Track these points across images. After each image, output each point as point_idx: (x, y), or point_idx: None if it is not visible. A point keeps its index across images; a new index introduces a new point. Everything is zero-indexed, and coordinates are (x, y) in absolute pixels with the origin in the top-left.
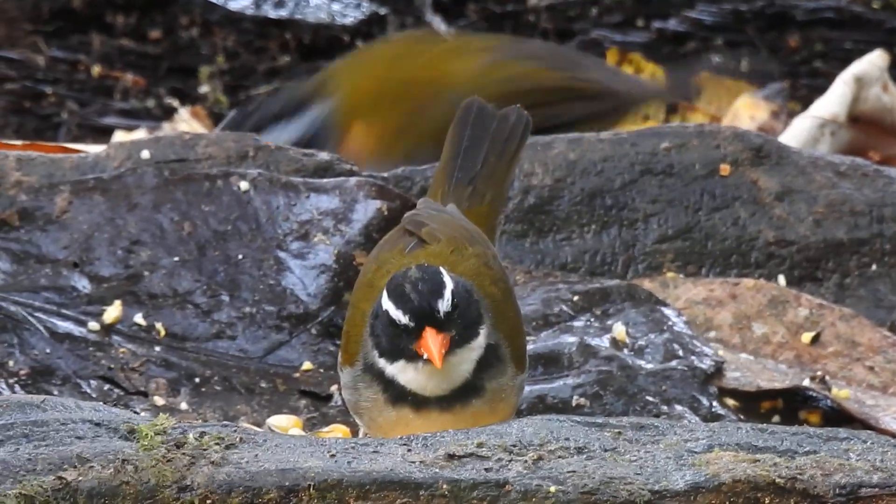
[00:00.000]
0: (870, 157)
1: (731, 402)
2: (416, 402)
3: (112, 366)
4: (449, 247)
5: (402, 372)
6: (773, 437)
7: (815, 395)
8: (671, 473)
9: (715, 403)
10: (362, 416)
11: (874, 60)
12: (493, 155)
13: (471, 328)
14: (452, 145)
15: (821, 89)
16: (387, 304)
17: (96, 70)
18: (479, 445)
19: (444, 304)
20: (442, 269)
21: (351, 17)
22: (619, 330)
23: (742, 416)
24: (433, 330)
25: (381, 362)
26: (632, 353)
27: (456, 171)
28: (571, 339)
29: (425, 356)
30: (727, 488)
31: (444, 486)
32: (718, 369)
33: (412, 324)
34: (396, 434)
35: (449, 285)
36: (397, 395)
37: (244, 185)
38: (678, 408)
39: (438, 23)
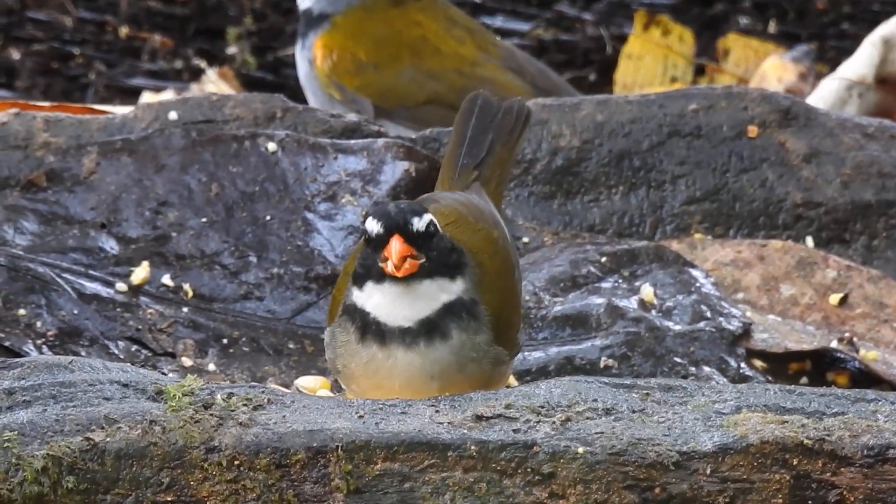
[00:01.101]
0: None
1: (758, 363)
2: (381, 336)
3: (140, 327)
4: (451, 219)
5: (369, 297)
6: (801, 399)
7: (842, 356)
8: (699, 435)
9: (743, 365)
10: (340, 373)
11: None
12: (498, 143)
13: (447, 268)
14: (458, 135)
15: (848, 51)
16: (367, 220)
17: (124, 31)
18: (508, 406)
19: (420, 223)
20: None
21: None
22: (647, 291)
23: (770, 378)
24: (400, 238)
25: (354, 292)
26: (660, 314)
27: (462, 158)
28: (599, 300)
29: (389, 269)
30: (755, 449)
31: (472, 447)
32: (746, 331)
33: (383, 232)
34: (370, 387)
35: (430, 215)
36: (364, 328)
37: (272, 146)
38: (706, 369)
39: None
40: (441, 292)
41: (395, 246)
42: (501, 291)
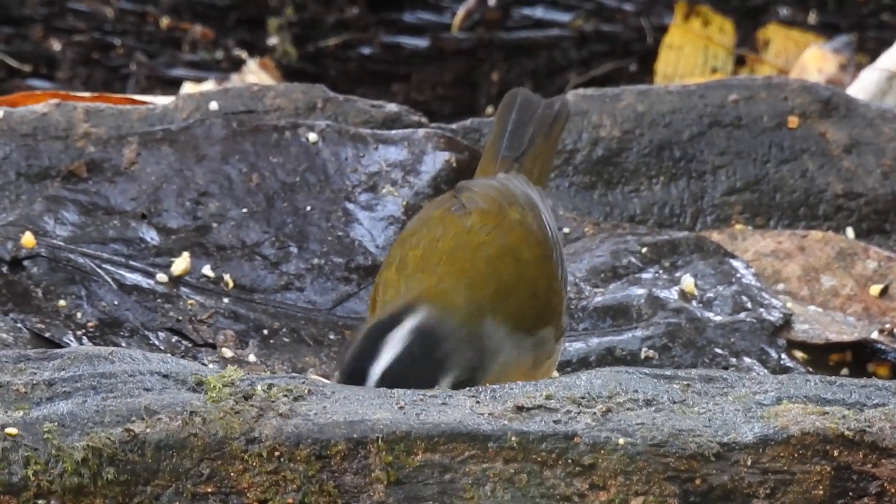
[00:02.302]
0: None
1: (799, 354)
2: None
3: (180, 318)
4: (486, 219)
5: None
6: (841, 390)
7: (883, 347)
8: (740, 426)
9: (783, 356)
10: None
11: None
12: (539, 136)
13: (424, 381)
14: (498, 127)
15: (888, 41)
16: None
17: (165, 21)
18: (548, 397)
19: (370, 383)
20: (398, 329)
21: None
22: (687, 282)
23: (810, 369)
24: None
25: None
26: (700, 305)
27: (503, 150)
28: (640, 291)
29: None
30: (796, 441)
31: (513, 438)
32: (787, 322)
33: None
34: None
35: (381, 363)
36: None
37: (312, 136)
38: (747, 360)
39: None
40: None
41: None
42: (533, 281)
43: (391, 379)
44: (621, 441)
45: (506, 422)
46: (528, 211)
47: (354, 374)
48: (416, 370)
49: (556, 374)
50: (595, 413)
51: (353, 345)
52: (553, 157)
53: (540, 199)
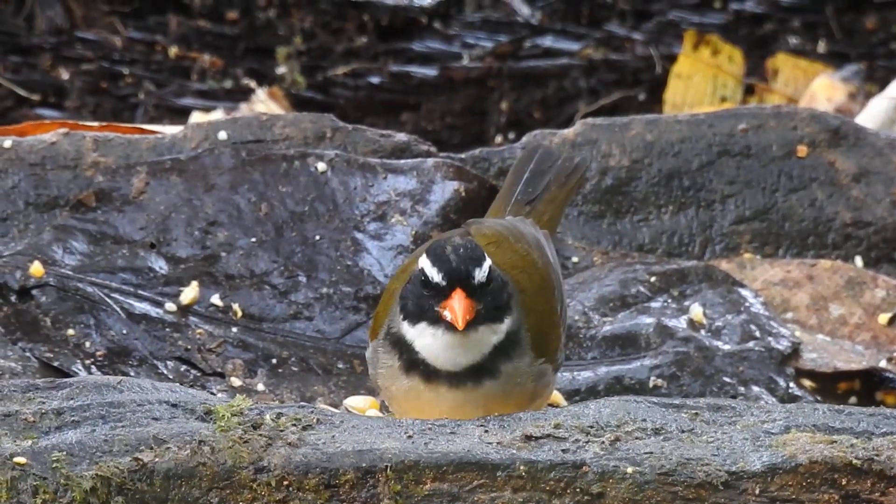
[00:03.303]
0: None
1: (807, 383)
2: (427, 372)
3: (189, 347)
4: (492, 240)
5: (420, 336)
6: (849, 419)
7: (891, 376)
8: (748, 454)
9: (792, 384)
10: (381, 389)
11: None
12: (555, 184)
13: (498, 310)
14: (515, 176)
15: None
16: (424, 262)
17: (173, 51)
18: (557, 426)
19: (481, 274)
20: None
21: None
22: (696, 311)
23: (819, 398)
24: (463, 293)
25: (404, 326)
26: (709, 334)
27: (517, 194)
28: (649, 319)
29: (448, 318)
30: (804, 469)
31: (522, 467)
32: (795, 350)
33: (444, 283)
34: (412, 409)
35: (487, 260)
36: (410, 362)
37: (321, 165)
38: (755, 389)
39: (520, 5)
40: (492, 335)
41: (459, 302)
42: (541, 311)
43: (491, 281)
44: (630, 470)
45: (514, 451)
46: (534, 249)
47: (466, 262)
48: (503, 285)
49: (564, 402)
50: (603, 442)
51: (442, 246)
52: (566, 206)
53: (546, 242)
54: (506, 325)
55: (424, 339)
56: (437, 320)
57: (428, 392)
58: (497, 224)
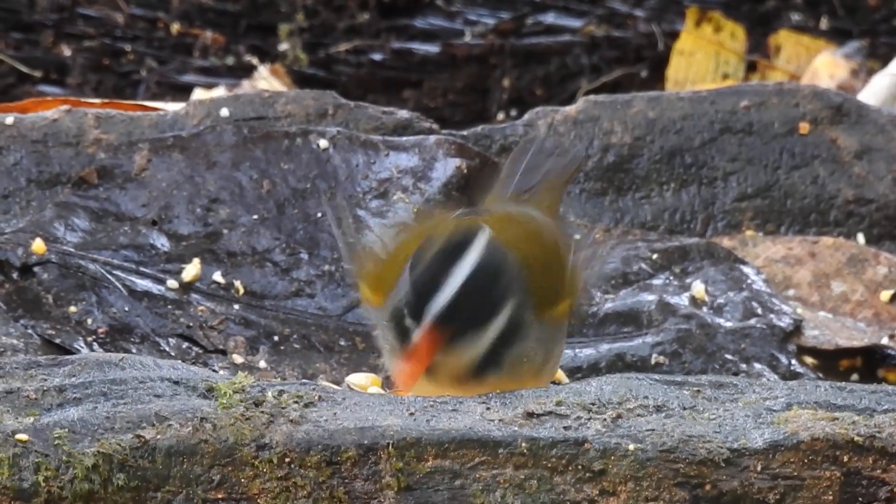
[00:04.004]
0: None
1: (809, 360)
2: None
3: (191, 324)
4: (496, 216)
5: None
6: (851, 396)
7: (893, 353)
8: (750, 432)
9: (794, 362)
10: (384, 354)
11: None
12: (553, 174)
13: (481, 319)
14: (511, 167)
15: None
16: (403, 279)
17: (176, 27)
18: (558, 404)
19: (441, 305)
20: (477, 241)
21: None
22: (698, 288)
23: (821, 375)
24: (425, 330)
25: (407, 321)
26: (711, 311)
27: (514, 185)
28: (650, 297)
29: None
30: (806, 446)
31: (523, 445)
32: (797, 327)
33: (409, 322)
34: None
35: (460, 277)
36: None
37: (323, 142)
38: (757, 366)
39: None
40: (479, 342)
41: (415, 345)
42: (554, 271)
43: (458, 306)
44: (631, 447)
45: (516, 428)
46: (544, 227)
47: (420, 299)
48: (482, 298)
49: (566, 380)
50: (605, 419)
51: (417, 266)
52: (563, 195)
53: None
54: (499, 320)
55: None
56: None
57: (428, 385)
58: (505, 205)
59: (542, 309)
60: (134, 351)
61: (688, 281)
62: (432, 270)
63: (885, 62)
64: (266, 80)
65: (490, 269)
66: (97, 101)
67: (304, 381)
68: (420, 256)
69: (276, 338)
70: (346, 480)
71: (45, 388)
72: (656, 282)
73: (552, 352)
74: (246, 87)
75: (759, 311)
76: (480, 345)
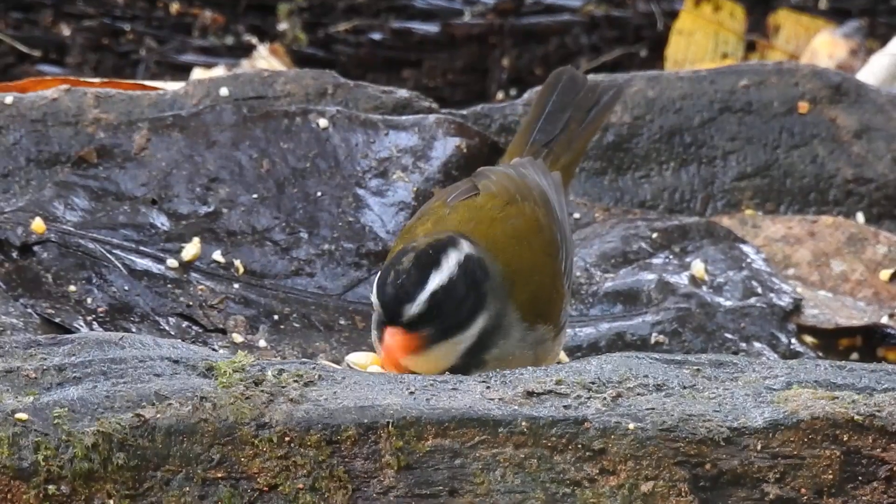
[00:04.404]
0: None
1: (809, 339)
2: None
3: (190, 303)
4: (493, 201)
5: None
6: (851, 375)
7: (893, 332)
8: (750, 410)
9: (793, 341)
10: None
11: None
12: (574, 121)
13: (457, 324)
14: (537, 109)
15: None
16: (375, 284)
17: (175, 7)
18: (558, 383)
19: (414, 308)
20: (446, 255)
21: None
22: (697, 267)
23: (820, 354)
24: (393, 332)
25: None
26: (710, 290)
27: (535, 133)
28: (650, 276)
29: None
30: (806, 425)
31: (523, 423)
32: (797, 307)
33: (382, 315)
34: None
35: (430, 286)
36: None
37: (323, 122)
38: (757, 345)
39: None
40: (456, 346)
41: (387, 341)
42: (538, 281)
43: (435, 307)
44: (631, 426)
45: (516, 407)
46: (540, 206)
47: (398, 298)
48: (461, 300)
49: (566, 359)
50: (605, 398)
51: (394, 265)
52: (586, 147)
53: (555, 193)
54: (476, 327)
55: None
56: None
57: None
58: (506, 177)
59: (527, 310)
60: (133, 330)
61: (687, 260)
62: (409, 276)
63: (883, 42)
64: (265, 59)
65: (463, 280)
66: (96, 80)
67: (303, 360)
68: (400, 258)
69: (275, 317)
70: (346, 459)
71: (44, 367)
72: (656, 261)
73: (545, 351)
74: (245, 66)
75: (759, 290)
76: (454, 350)
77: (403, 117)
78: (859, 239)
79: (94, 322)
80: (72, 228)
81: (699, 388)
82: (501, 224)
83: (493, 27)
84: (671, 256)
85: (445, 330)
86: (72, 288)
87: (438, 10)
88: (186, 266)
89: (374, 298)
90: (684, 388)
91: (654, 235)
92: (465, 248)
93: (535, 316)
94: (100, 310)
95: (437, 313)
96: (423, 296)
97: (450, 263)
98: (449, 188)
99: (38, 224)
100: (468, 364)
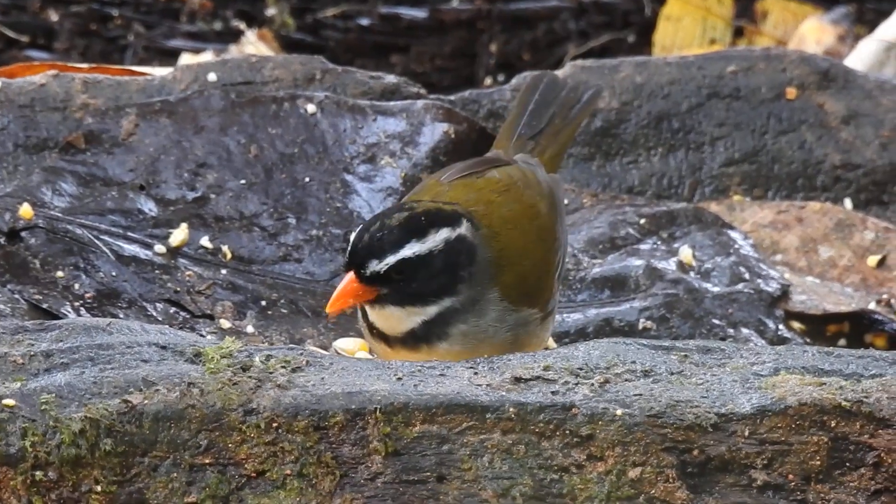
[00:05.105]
0: None
1: (797, 325)
2: (384, 336)
3: (178, 289)
4: (498, 186)
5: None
6: (839, 361)
7: (881, 318)
8: (737, 397)
9: (781, 327)
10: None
11: None
12: (559, 117)
13: (416, 297)
14: (520, 106)
15: (887, 12)
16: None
17: None
18: (546, 368)
19: (378, 265)
20: (437, 229)
21: None
22: (685, 253)
23: (808, 340)
24: (352, 279)
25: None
26: (698, 276)
27: (520, 127)
28: (638, 262)
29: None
30: (793, 411)
31: (511, 409)
32: (785, 292)
33: (347, 261)
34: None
35: (404, 253)
36: (370, 327)
37: (311, 107)
38: (744, 331)
39: None
40: (412, 316)
41: (341, 284)
42: (529, 264)
43: (400, 274)
44: (619, 412)
45: (504, 393)
46: (544, 197)
47: (368, 250)
48: (431, 277)
49: (554, 345)
50: (593, 384)
51: (385, 215)
52: (570, 142)
53: (556, 188)
54: (437, 307)
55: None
56: None
57: (392, 353)
58: (515, 169)
59: (513, 292)
60: (121, 316)
61: (675, 246)
62: (391, 234)
63: (871, 28)
64: (254, 44)
65: (442, 259)
66: (85, 65)
67: (291, 345)
68: (393, 212)
69: (263, 302)
70: (334, 445)
71: (32, 353)
72: (644, 247)
73: (528, 335)
74: (233, 51)
75: (747, 276)
76: (409, 318)
77: (391, 103)
78: (847, 225)
79: (82, 308)
80: (59, 214)
81: (687, 374)
82: (498, 207)
83: (481, 12)
84: (659, 242)
85: (402, 298)
86: (59, 274)
87: None
88: (174, 252)
89: (351, 237)
90: (672, 374)
91: (642, 221)
92: (463, 228)
93: (521, 298)
94: (87, 295)
95: (400, 280)
96: (391, 259)
97: (437, 238)
98: (458, 165)
99: (25, 210)
100: (429, 334)
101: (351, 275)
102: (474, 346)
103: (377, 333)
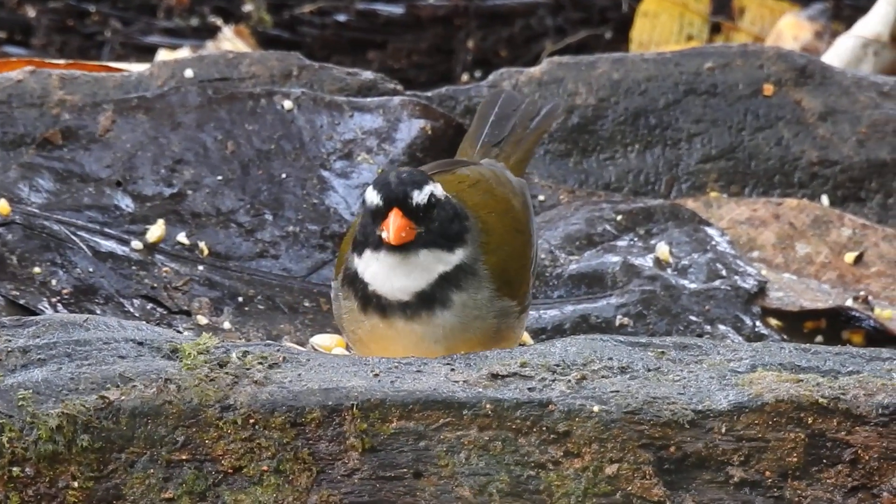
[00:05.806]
0: None
1: (774, 322)
2: (381, 307)
3: (155, 285)
4: (466, 180)
5: (366, 265)
6: (816, 357)
7: (857, 315)
8: (714, 393)
9: (758, 323)
10: (345, 332)
11: None
12: (520, 127)
13: (446, 239)
14: (480, 119)
15: (864, 9)
16: (368, 190)
17: None
18: (523, 365)
19: (420, 196)
20: (433, 183)
21: None
22: (662, 249)
23: (785, 336)
24: (399, 213)
25: (354, 258)
26: (675, 272)
27: (483, 136)
28: (615, 258)
29: (384, 237)
30: (770, 408)
31: (488, 406)
32: (762, 289)
33: (383, 204)
34: (377, 349)
35: (431, 187)
36: (365, 299)
37: (288, 103)
38: (721, 328)
39: None
40: (437, 263)
41: (394, 218)
42: (508, 252)
43: (434, 208)
44: (596, 408)
45: (480, 389)
46: (517, 195)
47: (406, 184)
48: (455, 217)
49: (530, 341)
50: (570, 381)
51: (389, 172)
52: (534, 149)
53: (526, 193)
54: (456, 256)
55: (370, 267)
56: (378, 244)
57: (387, 329)
58: (485, 169)
59: (496, 276)
60: (98, 312)
61: (652, 242)
62: (412, 175)
63: (849, 24)
64: (230, 41)
65: (452, 207)
66: (62, 62)
67: (268, 342)
68: (393, 170)
69: (240, 299)
70: (311, 441)
71: (8, 349)
72: (621, 243)
73: (508, 328)
74: (210, 48)
75: (724, 272)
76: (434, 265)
77: (368, 99)
78: (824, 221)
79: (59, 304)
80: (36, 210)
81: (664, 370)
82: (471, 195)
83: (458, 9)
84: (636, 239)
85: (434, 239)
86: (36, 270)
87: None
88: (151, 248)
89: (370, 195)
90: (649, 370)
91: (619, 218)
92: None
93: (503, 285)
94: (64, 291)
95: (434, 216)
96: (427, 188)
97: (437, 188)
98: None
99: (2, 206)
100: (434, 296)
101: (395, 212)
102: (467, 323)
103: (375, 305)
